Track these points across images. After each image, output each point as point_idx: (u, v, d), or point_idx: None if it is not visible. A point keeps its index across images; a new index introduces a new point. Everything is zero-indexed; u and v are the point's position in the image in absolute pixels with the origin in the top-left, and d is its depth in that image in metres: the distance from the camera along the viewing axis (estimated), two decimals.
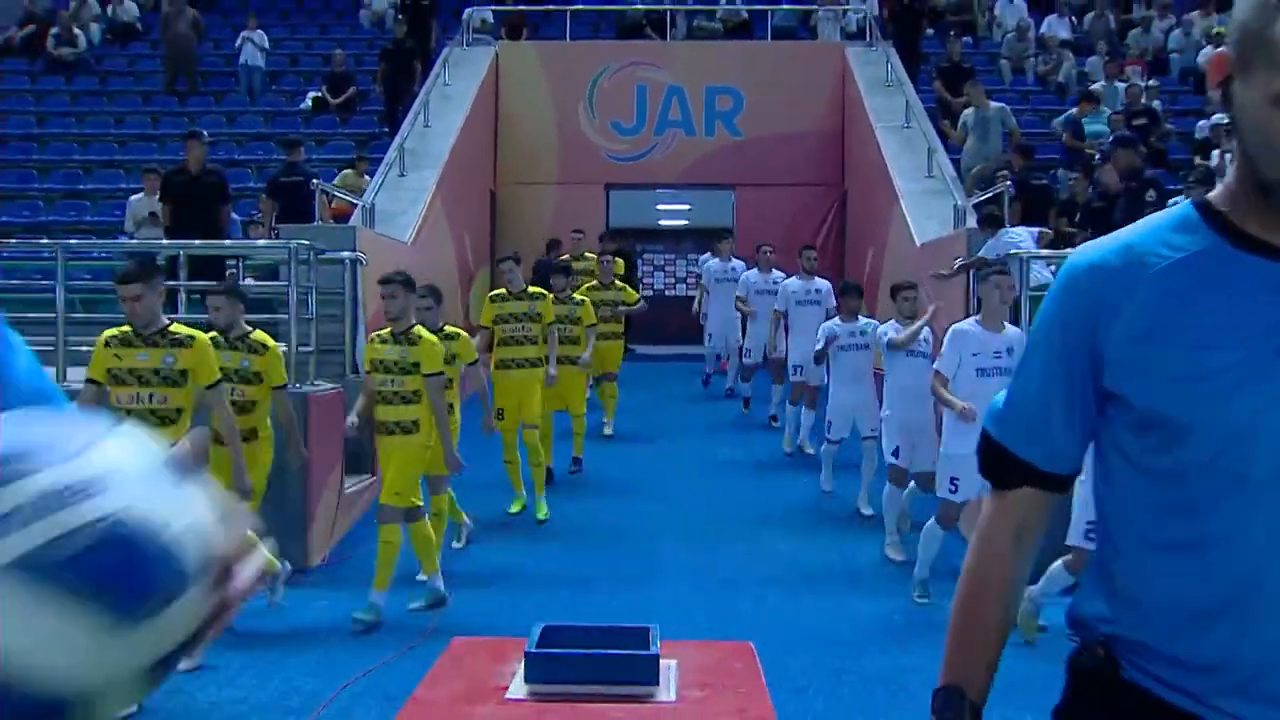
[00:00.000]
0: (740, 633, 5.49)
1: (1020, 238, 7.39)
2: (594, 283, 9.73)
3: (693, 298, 12.09)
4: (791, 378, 8.95)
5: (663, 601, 6.11)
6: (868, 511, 7.62)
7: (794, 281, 9.06)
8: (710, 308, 10.66)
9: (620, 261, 10.73)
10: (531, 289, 7.83)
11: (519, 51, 15.32)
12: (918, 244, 10.04)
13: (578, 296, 8.44)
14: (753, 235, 14.75)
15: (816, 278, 9.07)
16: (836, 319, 7.89)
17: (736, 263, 10.55)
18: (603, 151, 15.15)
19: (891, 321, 6.86)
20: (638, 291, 10.63)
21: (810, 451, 8.88)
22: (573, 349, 8.20)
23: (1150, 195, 7.59)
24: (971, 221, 9.23)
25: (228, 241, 8.30)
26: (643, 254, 16.52)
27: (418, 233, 10.91)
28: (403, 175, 11.87)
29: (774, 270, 9.91)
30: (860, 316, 7.85)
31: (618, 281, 10.12)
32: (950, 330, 5.68)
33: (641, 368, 14.07)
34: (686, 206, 18.75)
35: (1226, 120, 7.61)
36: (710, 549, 7.16)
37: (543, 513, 7.61)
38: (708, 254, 11.62)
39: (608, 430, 9.91)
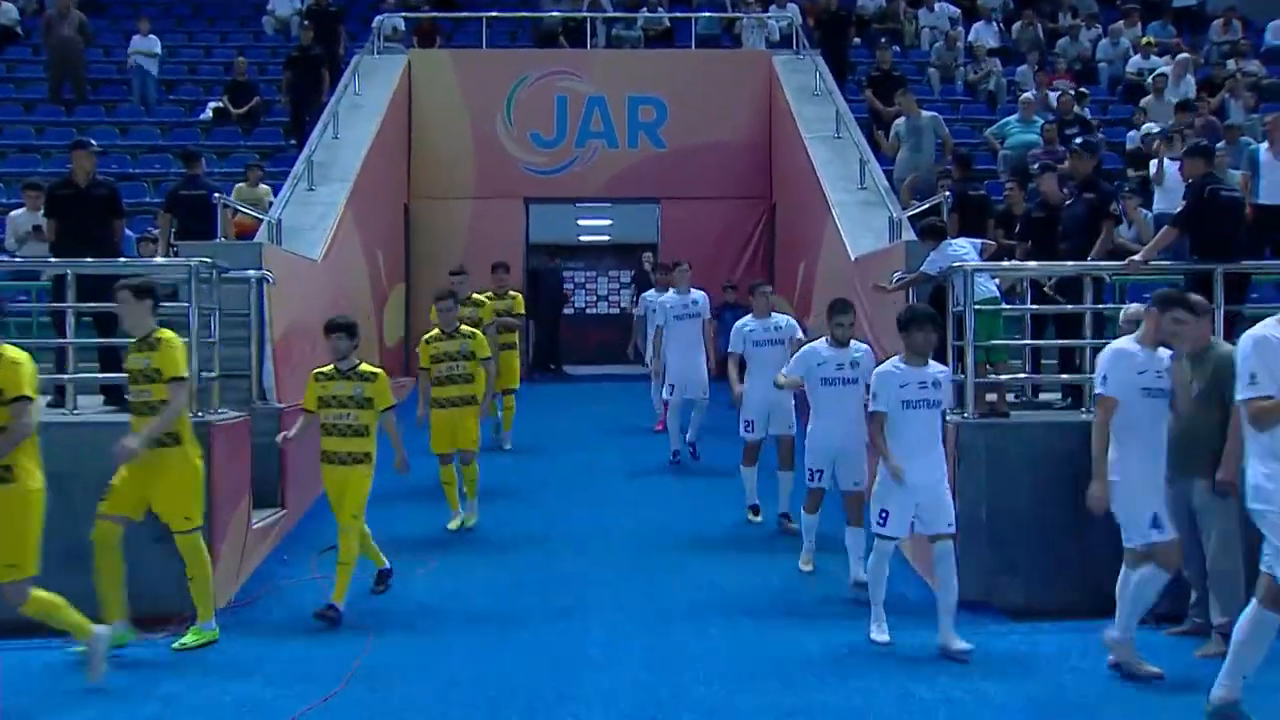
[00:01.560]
0: (681, 669, 5.44)
1: (964, 250, 7.44)
2: (490, 291, 10.14)
3: (616, 315, 11.99)
4: (744, 434, 8.01)
5: (597, 637, 5.98)
6: (794, 526, 7.72)
7: (749, 321, 8.17)
8: (670, 350, 9.49)
9: (518, 297, 10.34)
10: (464, 328, 8.16)
11: (432, 60, 15.10)
12: (852, 257, 10.07)
13: (467, 330, 8.15)
14: (678, 251, 14.72)
15: (775, 314, 8.25)
16: (749, 316, 8.10)
17: (697, 294, 9.56)
18: (521, 164, 15.00)
19: (822, 340, 6.87)
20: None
21: (795, 527, 7.63)
22: (467, 388, 8.04)
23: (1113, 207, 7.72)
24: (908, 234, 9.28)
25: (121, 259, 7.89)
26: (563, 270, 16.37)
27: (328, 249, 10.61)
28: (311, 189, 11.55)
29: (692, 290, 9.59)
30: (773, 313, 8.13)
31: (511, 291, 10.38)
32: (875, 373, 5.81)
33: (566, 388, 14.06)
34: (609, 221, 18.71)
35: (1167, 130, 7.75)
36: (645, 578, 7.06)
37: (472, 520, 8.17)
38: (651, 290, 10.94)
39: (506, 445, 10.20)
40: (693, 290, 9.45)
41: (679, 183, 14.77)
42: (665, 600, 6.63)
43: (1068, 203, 7.88)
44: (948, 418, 6.94)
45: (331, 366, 6.40)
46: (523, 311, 10.27)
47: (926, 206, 9.06)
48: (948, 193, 9.13)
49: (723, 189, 14.78)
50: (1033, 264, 7.87)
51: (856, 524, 6.57)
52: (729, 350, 8.17)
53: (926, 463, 5.57)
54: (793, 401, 7.77)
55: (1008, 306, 7.66)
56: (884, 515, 5.61)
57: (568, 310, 16.49)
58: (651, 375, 10.43)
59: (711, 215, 14.73)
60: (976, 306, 6.88)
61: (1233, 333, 7.19)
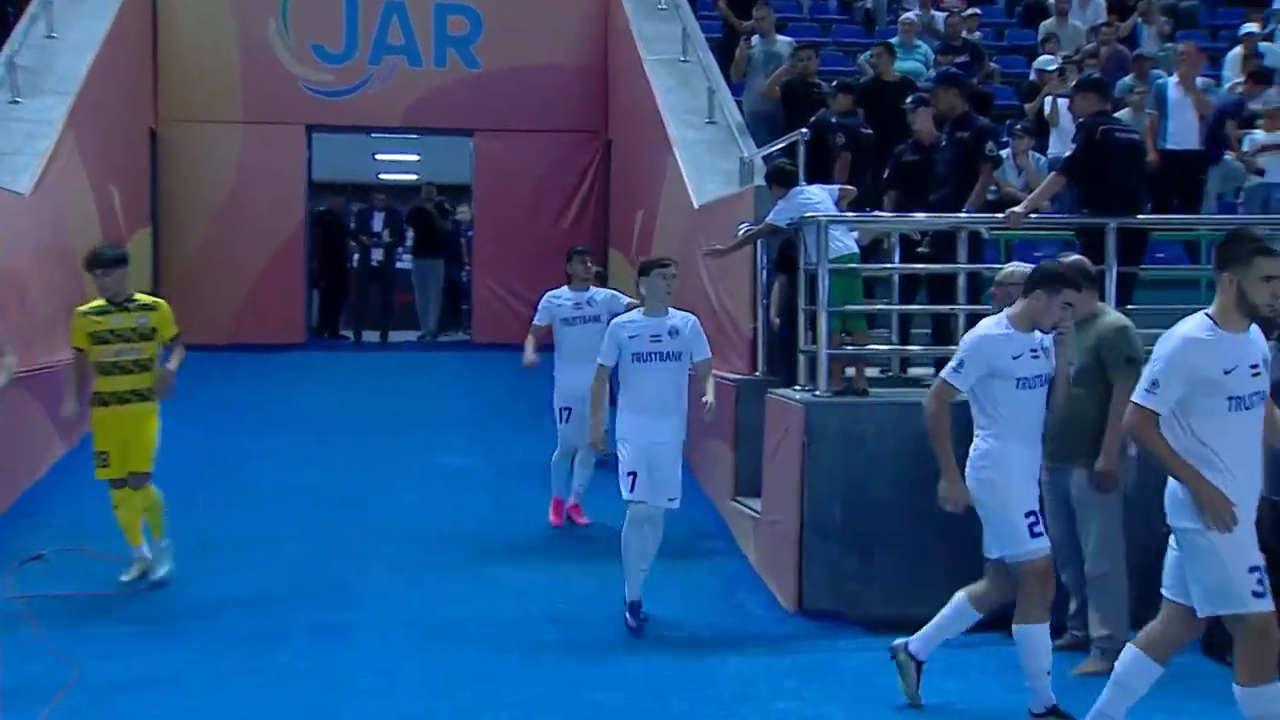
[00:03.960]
0: (469, 700, 5.36)
1: (817, 198, 7.46)
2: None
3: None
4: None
5: (365, 660, 5.89)
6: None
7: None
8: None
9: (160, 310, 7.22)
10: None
11: None
12: (695, 205, 10.05)
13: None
14: (496, 193, 14.67)
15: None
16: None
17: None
18: (301, 82, 14.47)
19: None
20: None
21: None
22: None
23: (990, 148, 7.80)
24: (762, 179, 9.29)
25: None
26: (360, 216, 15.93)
27: (40, 180, 9.94)
28: (15, 101, 10.83)
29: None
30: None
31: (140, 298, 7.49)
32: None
33: (358, 358, 13.83)
34: (415, 157, 18.31)
35: (1064, 61, 7.88)
36: (428, 587, 7.06)
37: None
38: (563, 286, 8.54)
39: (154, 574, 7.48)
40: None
41: (497, 112, 14.51)
42: (457, 613, 6.64)
43: (942, 144, 7.98)
44: (796, 395, 7.00)
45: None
46: (172, 331, 7.15)
47: (782, 145, 9.07)
48: (840, 130, 9.10)
49: (549, 121, 14.60)
50: (894, 215, 7.95)
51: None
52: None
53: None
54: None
55: (870, 265, 7.73)
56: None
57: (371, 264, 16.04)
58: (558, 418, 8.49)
59: (535, 152, 14.54)
60: (831, 265, 6.90)
61: (1128, 298, 7.46)
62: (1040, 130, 11.11)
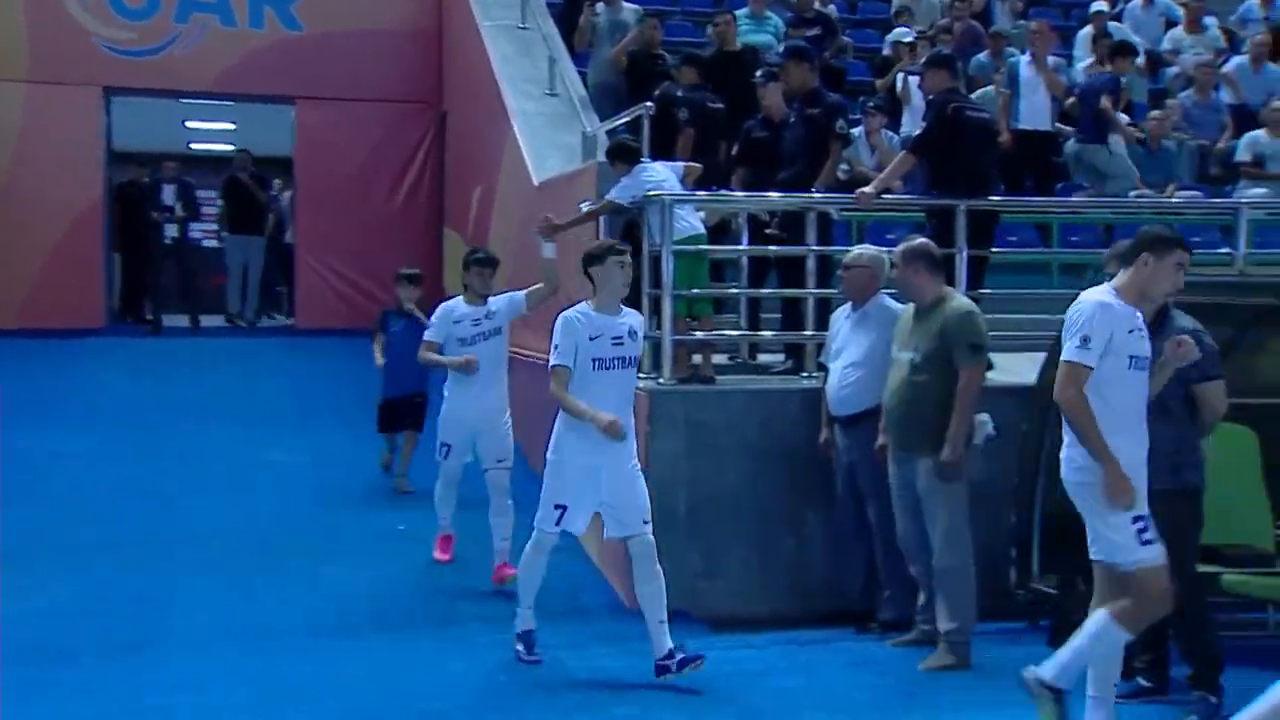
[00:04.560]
0: (290, 707, 5.33)
1: (661, 175, 7.53)
2: None
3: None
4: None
5: (172, 675, 5.76)
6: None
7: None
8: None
9: None
10: None
11: None
12: (536, 182, 10.04)
13: None
14: (321, 167, 14.41)
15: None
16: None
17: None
18: (97, 39, 13.97)
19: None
20: None
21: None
22: None
23: (840, 125, 7.95)
24: (604, 154, 9.33)
25: None
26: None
27: None
28: None
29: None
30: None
31: None
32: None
33: (164, 345, 13.51)
34: (230, 126, 17.82)
35: (917, 36, 8.04)
36: (247, 593, 6.98)
37: None
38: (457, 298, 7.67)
39: None
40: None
41: (321, 79, 14.26)
42: (279, 620, 6.57)
43: (791, 120, 8.12)
44: (639, 383, 7.06)
45: None
46: None
47: (626, 120, 9.12)
48: (684, 109, 9.15)
49: (379, 89, 14.42)
50: (742, 194, 8.06)
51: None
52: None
53: None
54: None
55: (717, 247, 7.83)
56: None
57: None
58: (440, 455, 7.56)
59: (363, 123, 14.34)
60: (676, 246, 6.97)
61: (979, 281, 7.72)
62: (894, 107, 11.39)
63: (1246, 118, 11.61)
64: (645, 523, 5.68)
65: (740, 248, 8.12)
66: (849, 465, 6.43)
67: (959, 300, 6.06)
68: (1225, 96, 11.98)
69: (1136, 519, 4.72)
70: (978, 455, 5.95)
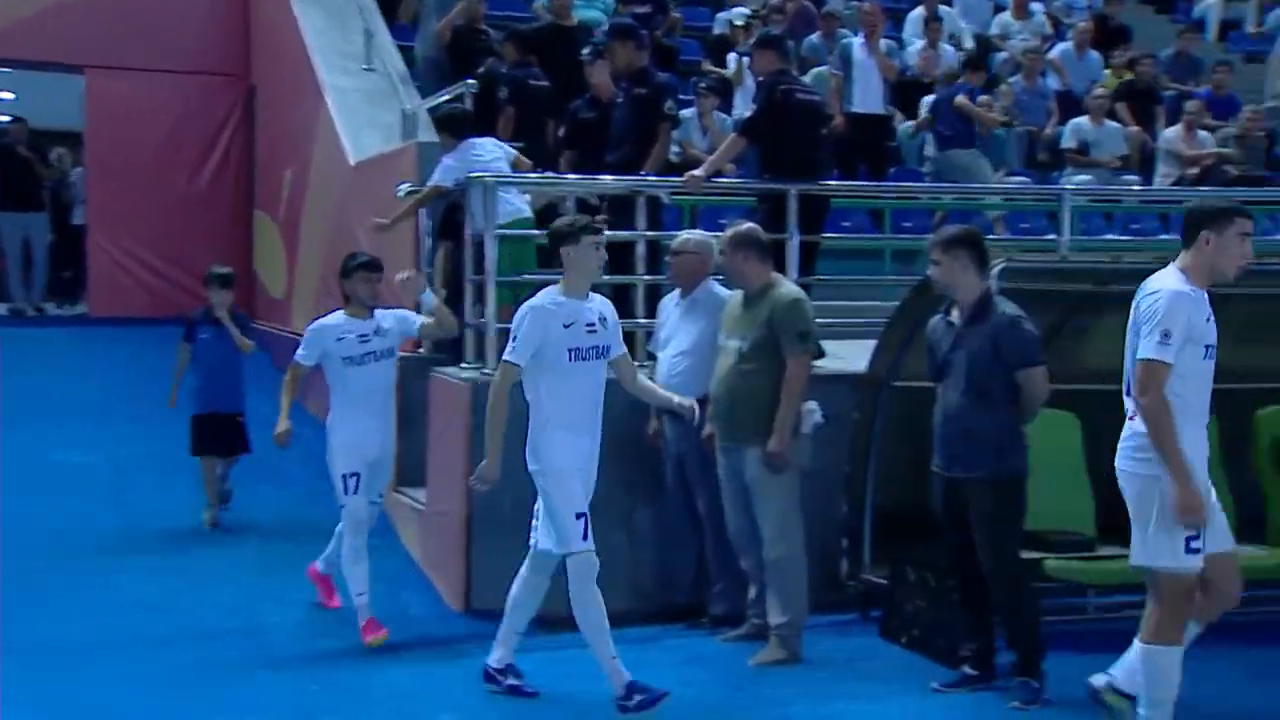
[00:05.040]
0: None
1: (489, 154, 7.55)
2: None
3: None
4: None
5: None
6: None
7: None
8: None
9: None
10: None
11: None
12: (352, 162, 9.95)
13: None
14: (115, 142, 13.92)
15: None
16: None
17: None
18: None
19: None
20: None
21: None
22: None
23: (669, 106, 8.06)
24: (427, 134, 9.29)
25: None
26: None
27: None
28: None
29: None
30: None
31: None
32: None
33: None
34: (9, 95, 17.13)
35: (749, 16, 8.10)
36: (40, 606, 6.76)
37: None
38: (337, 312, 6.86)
39: None
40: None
41: (113, 46, 13.74)
42: (76, 635, 6.39)
43: (619, 101, 8.22)
44: (462, 373, 7.09)
45: None
46: None
47: (450, 96, 9.12)
48: (505, 87, 9.16)
49: (179, 60, 14.00)
50: (571, 176, 8.15)
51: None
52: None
53: None
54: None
55: (543, 231, 7.88)
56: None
57: None
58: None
59: (163, 96, 13.91)
60: (500, 230, 7.00)
61: (810, 268, 7.94)
62: (726, 89, 11.60)
63: (1071, 104, 12.18)
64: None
65: None
66: (678, 456, 6.56)
67: (787, 287, 6.23)
68: (1052, 82, 12.53)
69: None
70: (807, 444, 6.11)
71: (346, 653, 6.25)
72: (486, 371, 6.96)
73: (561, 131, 8.87)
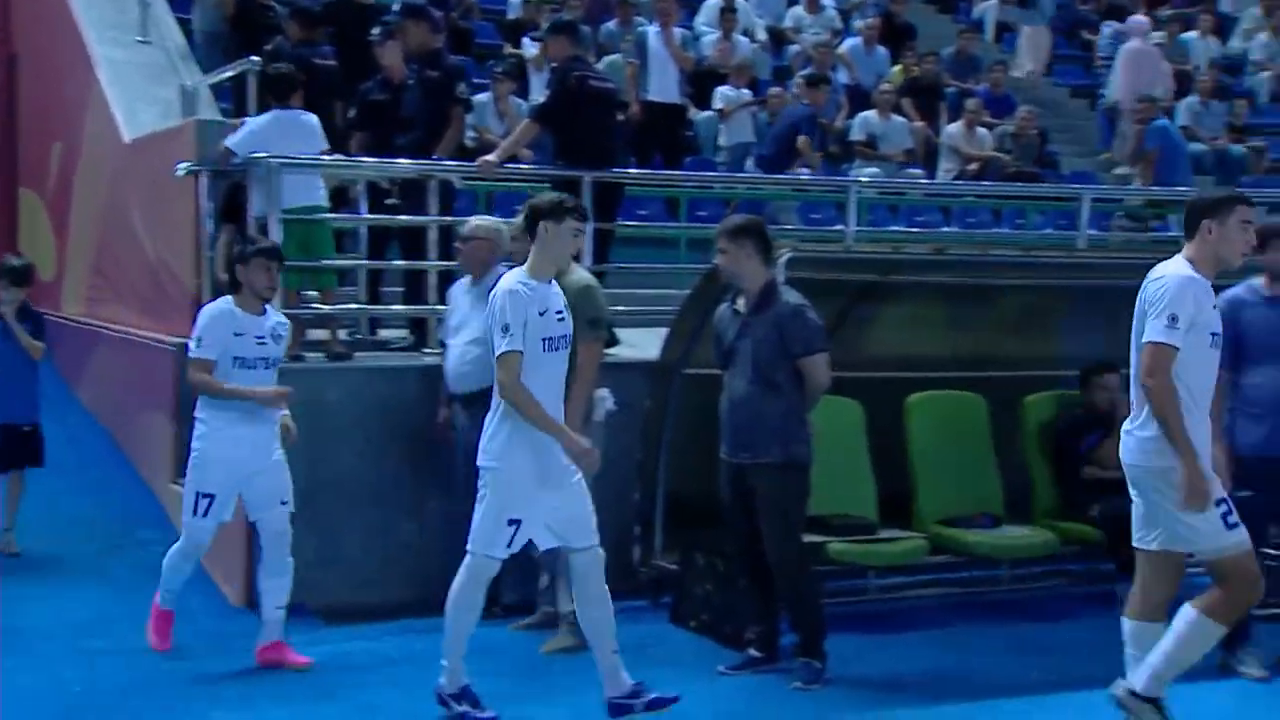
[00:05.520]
0: None
1: (309, 128, 7.43)
2: None
3: None
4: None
5: None
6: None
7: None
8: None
9: None
10: None
11: None
12: (127, 139, 9.65)
13: None
14: None
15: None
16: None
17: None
18: None
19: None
20: None
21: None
22: None
23: (461, 90, 8.02)
24: (209, 110, 9.08)
25: None
26: None
27: None
28: None
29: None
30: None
31: None
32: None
33: None
34: None
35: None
36: None
37: None
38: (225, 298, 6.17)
39: None
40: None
41: None
42: None
43: (410, 83, 8.17)
44: None
45: None
46: None
47: (231, 73, 8.93)
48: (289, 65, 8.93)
49: None
50: (363, 160, 8.07)
51: None
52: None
53: None
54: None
55: (334, 215, 7.81)
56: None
57: None
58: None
59: None
60: (287, 215, 6.91)
61: (605, 255, 8.04)
62: (523, 73, 11.61)
63: (860, 98, 12.60)
64: (594, 532, 5.23)
65: (359, 217, 8.11)
66: (468, 445, 6.55)
67: (579, 274, 6.28)
68: (842, 76, 12.93)
69: (1219, 502, 4.66)
70: (600, 431, 6.21)
71: (117, 651, 6.10)
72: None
73: (352, 113, 8.75)
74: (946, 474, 6.99)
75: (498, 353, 4.98)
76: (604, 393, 6.22)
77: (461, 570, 5.17)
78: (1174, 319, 4.63)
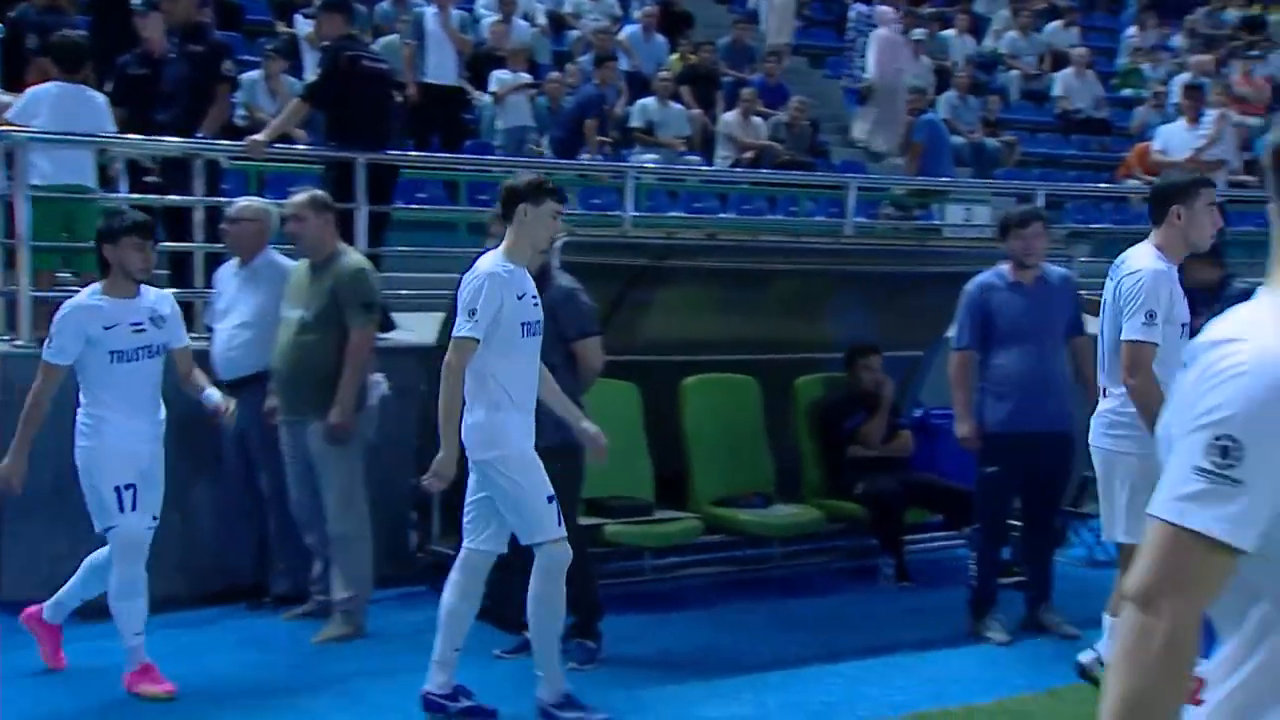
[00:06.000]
0: None
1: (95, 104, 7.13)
2: None
3: None
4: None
5: None
6: None
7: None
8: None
9: None
10: None
11: None
12: None
13: None
14: None
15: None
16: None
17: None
18: None
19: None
20: None
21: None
22: None
23: (227, 66, 7.74)
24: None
25: None
26: None
27: None
28: None
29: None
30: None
31: None
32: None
33: None
34: None
35: None
36: None
37: None
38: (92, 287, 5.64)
39: None
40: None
41: None
42: None
43: (172, 57, 7.87)
44: None
45: None
46: None
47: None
48: (34, 34, 8.48)
49: None
50: (134, 137, 7.76)
51: None
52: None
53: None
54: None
55: (103, 194, 7.47)
56: None
57: None
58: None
59: None
60: (37, 192, 6.62)
61: (380, 239, 7.88)
62: (295, 50, 11.34)
63: (640, 84, 12.69)
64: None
65: (119, 195, 7.78)
66: (239, 432, 6.37)
67: (352, 257, 6.18)
68: (622, 63, 13.00)
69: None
70: (373, 417, 6.12)
71: None
72: (20, 343, 6.52)
73: (108, 88, 8.37)
74: (720, 455, 7.11)
75: (457, 334, 4.79)
76: (378, 378, 6.12)
77: (536, 572, 4.96)
78: (1151, 315, 4.66)
